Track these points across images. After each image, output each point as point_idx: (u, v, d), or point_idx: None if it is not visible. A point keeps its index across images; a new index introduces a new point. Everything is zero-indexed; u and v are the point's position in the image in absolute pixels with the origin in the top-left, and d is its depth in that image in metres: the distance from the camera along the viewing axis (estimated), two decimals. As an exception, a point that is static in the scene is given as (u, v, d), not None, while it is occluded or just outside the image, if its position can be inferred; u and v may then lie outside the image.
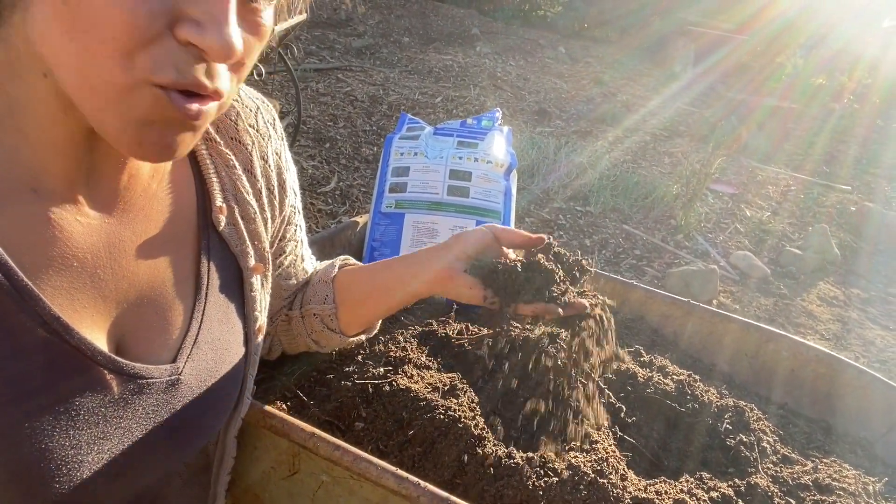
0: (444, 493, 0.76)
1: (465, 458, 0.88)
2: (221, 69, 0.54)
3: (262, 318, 0.82)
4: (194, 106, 0.53)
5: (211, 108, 0.55)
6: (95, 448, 0.60)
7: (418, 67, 6.14)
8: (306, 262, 1.00)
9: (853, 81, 8.40)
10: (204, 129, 0.58)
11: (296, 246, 0.94)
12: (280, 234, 0.89)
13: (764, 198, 4.93)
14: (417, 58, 6.42)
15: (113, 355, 0.61)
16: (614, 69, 7.80)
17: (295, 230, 0.92)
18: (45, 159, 0.57)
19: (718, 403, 1.14)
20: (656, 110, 6.37)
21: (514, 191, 1.41)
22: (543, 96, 6.08)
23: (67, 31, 0.48)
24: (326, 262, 1.05)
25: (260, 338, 0.83)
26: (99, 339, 0.61)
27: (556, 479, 0.86)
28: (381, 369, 1.02)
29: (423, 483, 0.76)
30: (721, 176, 4.88)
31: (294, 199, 0.89)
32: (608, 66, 7.92)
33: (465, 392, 1.01)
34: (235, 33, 0.51)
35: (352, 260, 1.05)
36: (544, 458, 0.89)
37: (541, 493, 0.84)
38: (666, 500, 0.87)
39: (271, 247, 0.86)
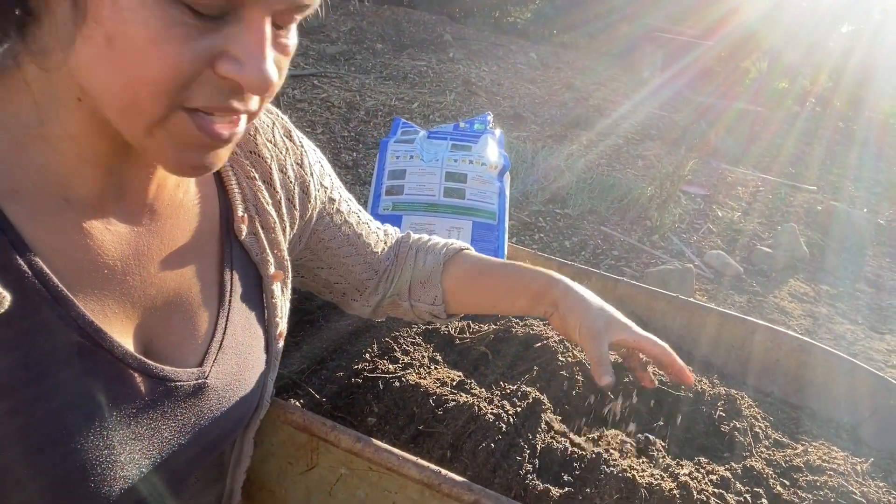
0: (464, 480, 0.79)
1: (478, 446, 0.91)
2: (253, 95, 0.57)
3: (282, 325, 0.84)
4: (225, 132, 0.56)
5: (241, 127, 0.58)
6: (127, 448, 0.62)
7: (393, 73, 6.17)
8: (378, 235, 1.01)
9: (816, 85, 8.64)
10: (236, 142, 0.60)
11: (350, 227, 0.96)
12: (312, 229, 0.91)
13: (734, 199, 5.06)
14: (392, 64, 6.45)
15: (143, 358, 0.63)
16: (585, 74, 7.92)
17: (333, 217, 0.93)
18: (75, 171, 0.58)
19: (711, 392, 1.18)
20: (627, 114, 6.48)
21: (507, 192, 1.45)
22: (518, 101, 6.15)
23: (113, 71, 0.51)
24: (426, 245, 1.04)
25: (280, 343, 0.84)
26: (129, 343, 0.63)
27: (561, 466, 0.90)
28: (391, 366, 1.05)
29: (444, 471, 0.79)
30: (693, 178, 4.99)
31: (325, 193, 0.91)
32: (579, 71, 8.03)
33: (473, 386, 1.04)
34: (271, 67, 0.54)
35: (456, 244, 1.04)
36: (551, 445, 0.93)
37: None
38: (670, 484, 0.91)
39: (291, 253, 0.88)
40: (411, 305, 1.01)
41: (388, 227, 1.06)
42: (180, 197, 0.70)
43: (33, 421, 0.55)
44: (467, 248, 1.04)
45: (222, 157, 0.60)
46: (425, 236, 1.06)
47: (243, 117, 0.58)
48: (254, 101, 0.58)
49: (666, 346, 0.91)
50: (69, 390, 0.57)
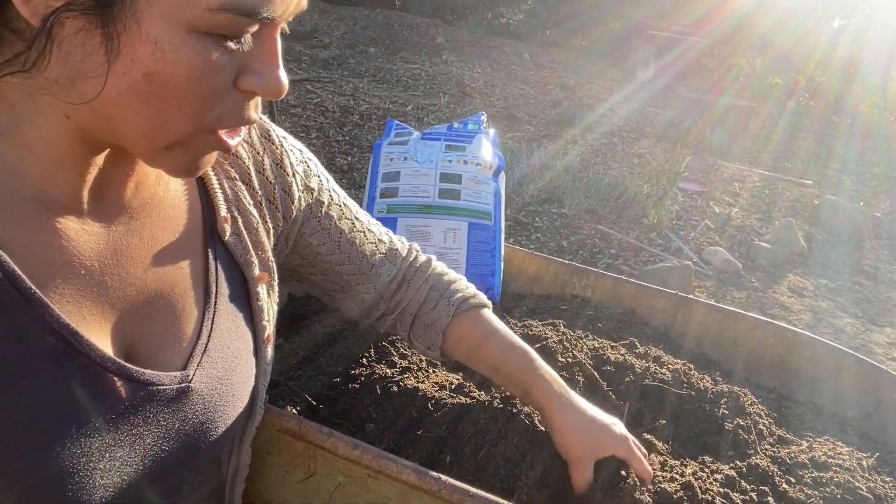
0: (464, 486, 0.77)
1: (479, 450, 0.89)
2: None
3: (269, 328, 0.82)
4: (235, 140, 0.60)
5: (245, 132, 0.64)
6: (107, 455, 0.60)
7: (386, 77, 6.17)
8: (378, 246, 0.96)
9: (806, 79, 8.67)
10: None
11: (341, 233, 0.92)
12: (298, 232, 0.88)
13: (730, 194, 5.06)
14: (385, 67, 6.45)
15: (122, 361, 0.61)
16: (578, 73, 7.93)
17: (321, 221, 0.90)
18: (51, 173, 0.57)
19: (714, 390, 1.17)
20: (621, 112, 6.49)
21: (503, 192, 1.43)
22: (512, 102, 6.15)
23: (145, 101, 0.52)
24: (444, 287, 0.98)
25: (269, 347, 0.82)
26: (107, 345, 0.61)
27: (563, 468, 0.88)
28: (388, 370, 1.03)
29: (443, 477, 0.77)
30: (688, 174, 4.99)
31: (311, 195, 0.87)
32: (572, 70, 8.05)
33: (472, 389, 1.03)
34: (283, 73, 0.58)
35: (475, 298, 0.99)
36: (553, 447, 0.91)
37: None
38: (674, 484, 0.90)
39: (278, 256, 0.86)
40: (409, 337, 0.99)
41: (401, 241, 1.01)
42: (160, 195, 0.69)
43: (6, 427, 0.53)
44: (485, 306, 1.00)
45: (214, 157, 0.63)
46: (449, 273, 1.01)
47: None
48: (260, 106, 0.61)
49: (651, 471, 0.90)
50: (44, 395, 0.55)
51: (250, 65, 0.55)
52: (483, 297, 1.00)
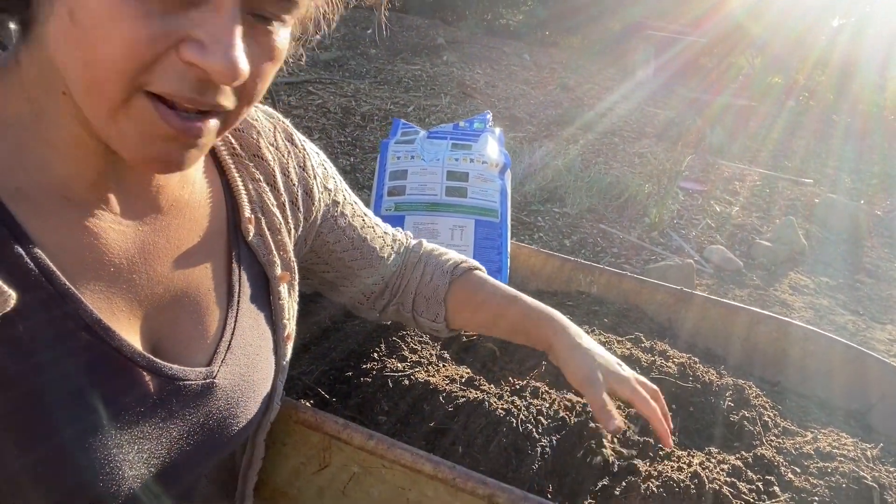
0: (477, 474, 0.79)
1: (490, 442, 0.91)
2: (224, 88, 0.54)
3: (290, 327, 0.84)
4: (189, 126, 0.54)
5: (211, 125, 0.56)
6: (136, 447, 0.61)
7: (387, 78, 6.18)
8: (385, 239, 1.01)
9: (805, 78, 8.69)
10: (209, 144, 0.58)
11: (354, 230, 0.96)
12: (316, 232, 0.91)
13: (731, 193, 5.07)
14: (386, 68, 6.46)
15: (151, 357, 0.62)
16: (578, 73, 7.94)
17: (337, 220, 0.94)
18: (75, 170, 0.58)
19: (719, 383, 1.18)
20: (621, 112, 6.51)
21: (509, 190, 1.45)
22: (513, 102, 6.17)
23: (75, 48, 0.50)
24: (436, 259, 1.03)
25: (289, 345, 0.84)
26: (136, 341, 0.62)
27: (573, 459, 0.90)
28: (400, 364, 1.05)
29: (458, 466, 0.79)
30: (689, 174, 5.01)
31: (329, 195, 0.91)
32: (572, 70, 8.06)
33: (482, 382, 1.04)
34: (241, 56, 0.51)
35: (467, 262, 1.03)
36: (567, 438, 0.93)
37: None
38: (681, 475, 0.91)
39: (296, 256, 0.88)
40: (413, 317, 1.03)
41: (399, 231, 1.06)
42: (186, 197, 0.70)
43: (41, 419, 0.55)
44: (478, 269, 1.04)
45: (192, 157, 0.57)
46: (439, 248, 1.06)
47: (213, 121, 0.56)
48: (227, 98, 0.55)
49: (657, 408, 0.89)
50: (77, 389, 0.56)
51: (195, 34, 0.50)
52: (474, 262, 1.04)
